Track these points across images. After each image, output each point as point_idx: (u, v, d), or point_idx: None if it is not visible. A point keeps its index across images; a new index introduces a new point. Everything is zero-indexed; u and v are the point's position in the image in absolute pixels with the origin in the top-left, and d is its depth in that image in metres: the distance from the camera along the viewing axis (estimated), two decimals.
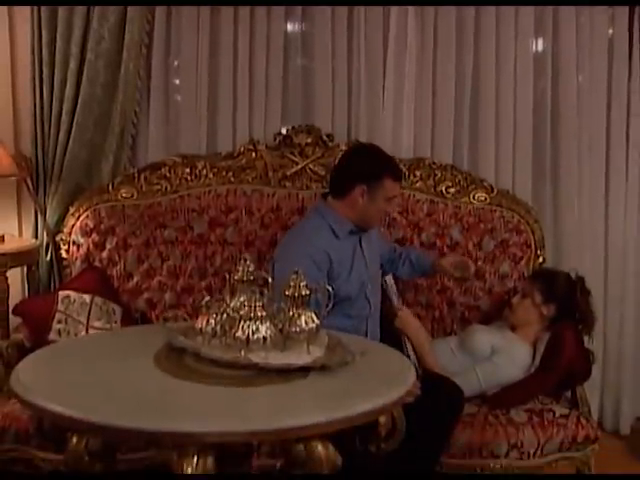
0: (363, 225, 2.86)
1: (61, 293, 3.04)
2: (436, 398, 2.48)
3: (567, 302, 2.96)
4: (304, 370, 1.99)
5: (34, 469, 2.71)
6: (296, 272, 2.11)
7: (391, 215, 3.33)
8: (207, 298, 2.16)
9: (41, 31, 3.35)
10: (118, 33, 3.36)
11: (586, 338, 2.99)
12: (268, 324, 2.03)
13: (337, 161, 3.05)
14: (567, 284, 3.00)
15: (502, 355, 2.88)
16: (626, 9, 3.56)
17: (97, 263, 3.32)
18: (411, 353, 2.81)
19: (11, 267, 3.36)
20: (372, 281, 2.92)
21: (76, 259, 3.33)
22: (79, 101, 3.39)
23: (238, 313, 2.05)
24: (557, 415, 2.79)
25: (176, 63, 3.57)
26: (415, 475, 2.54)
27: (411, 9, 3.47)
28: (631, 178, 3.67)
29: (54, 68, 3.38)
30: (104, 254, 3.32)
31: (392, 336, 2.81)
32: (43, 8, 3.32)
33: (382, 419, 1.98)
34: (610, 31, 3.63)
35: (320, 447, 1.79)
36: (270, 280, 2.19)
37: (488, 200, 3.41)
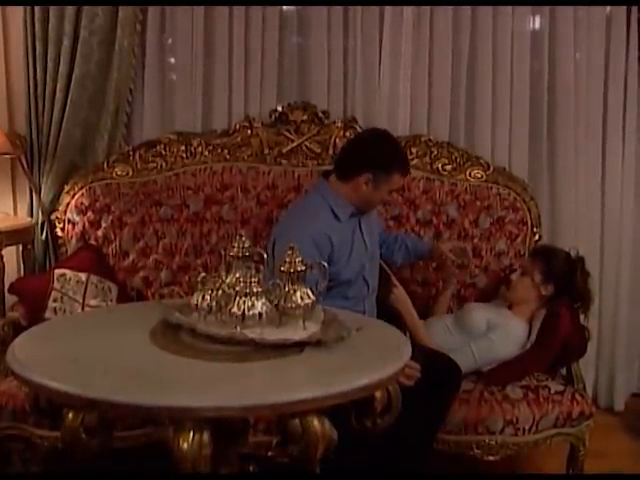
0: (362, 208, 2.84)
1: (57, 271, 3.04)
2: (433, 374, 2.48)
3: (566, 282, 2.95)
4: (300, 345, 1.99)
5: (31, 446, 2.73)
6: (291, 248, 2.10)
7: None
8: (203, 274, 2.15)
9: (34, 8, 3.33)
10: (112, 10, 3.34)
11: (582, 316, 3.00)
12: (264, 300, 2.03)
13: (349, 142, 3.02)
14: (567, 264, 2.99)
15: (498, 331, 2.89)
16: None
17: (92, 241, 3.32)
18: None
19: (6, 246, 3.36)
20: (371, 262, 2.91)
21: (71, 237, 3.33)
22: (73, 79, 3.38)
23: (234, 289, 2.05)
24: (552, 391, 2.79)
25: (170, 40, 3.54)
26: (412, 451, 2.55)
27: None
28: (627, 155, 3.67)
29: (47, 46, 3.36)
30: (99, 232, 3.31)
31: (388, 315, 2.81)
32: None
33: (378, 394, 1.97)
34: (608, 9, 3.60)
35: (316, 422, 1.79)
36: (266, 257, 2.19)
37: (484, 177, 3.40)
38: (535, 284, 2.97)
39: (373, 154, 2.77)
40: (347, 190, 2.78)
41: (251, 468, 2.49)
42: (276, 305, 2.07)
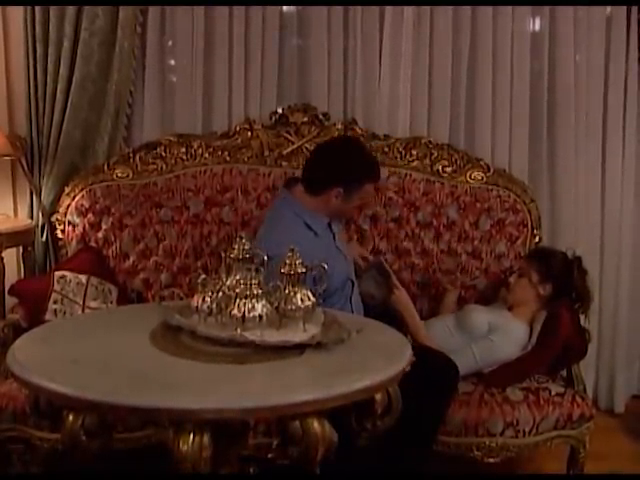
0: (333, 219, 2.82)
1: (57, 273, 3.04)
2: (431, 373, 2.47)
3: (564, 282, 2.97)
4: (300, 347, 1.99)
5: (31, 448, 2.73)
6: (292, 250, 2.10)
7: (387, 195, 3.34)
8: (203, 276, 2.15)
9: (34, 9, 3.33)
10: (112, 11, 3.35)
11: (582, 317, 3.00)
12: (264, 302, 2.03)
13: (315, 155, 2.91)
14: (564, 264, 3.00)
15: (499, 333, 2.89)
16: None
17: (93, 243, 3.31)
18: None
19: (6, 247, 3.36)
20: (350, 263, 2.92)
21: (72, 239, 3.33)
22: (73, 80, 3.38)
23: (234, 291, 2.05)
24: (553, 393, 2.79)
25: (171, 42, 3.54)
26: (410, 452, 2.55)
27: None
28: (628, 157, 3.67)
29: (48, 47, 3.36)
30: (100, 234, 3.31)
31: (389, 316, 2.80)
32: None
33: (378, 396, 1.97)
34: (608, 9, 3.60)
35: (316, 424, 1.79)
36: (266, 259, 2.18)
37: (484, 179, 3.40)
38: (533, 284, 2.98)
39: (342, 168, 2.73)
40: (317, 203, 2.74)
41: (251, 470, 2.49)
42: (276, 307, 2.07)
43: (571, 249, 3.05)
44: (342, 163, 2.74)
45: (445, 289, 3.28)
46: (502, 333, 2.89)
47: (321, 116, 3.42)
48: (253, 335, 1.99)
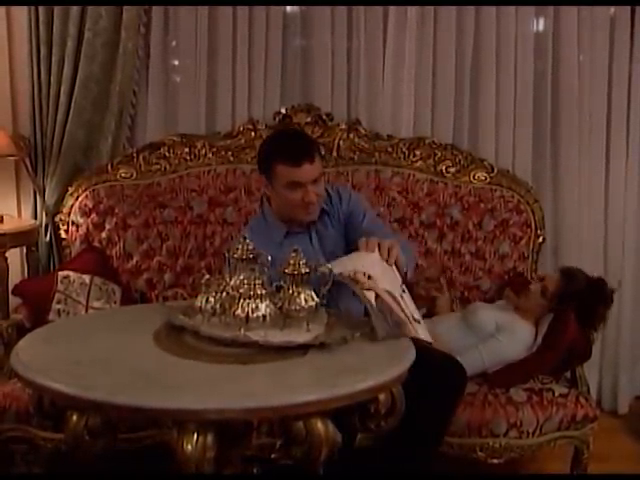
0: (291, 219, 2.64)
1: (60, 273, 3.04)
2: (437, 375, 2.45)
3: (585, 307, 2.89)
4: (303, 348, 1.99)
5: (34, 448, 2.73)
6: (295, 250, 2.10)
7: (390, 195, 3.33)
8: (207, 276, 2.15)
9: (38, 10, 3.34)
10: (116, 11, 3.35)
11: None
12: (267, 302, 2.03)
13: None
14: (589, 290, 2.94)
15: (506, 333, 2.87)
16: None
17: (96, 243, 3.32)
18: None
19: (10, 247, 3.38)
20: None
21: (75, 239, 3.34)
22: (77, 81, 3.39)
23: (237, 291, 2.05)
24: (556, 394, 2.78)
25: (174, 42, 3.55)
26: (417, 454, 2.54)
27: None
28: (631, 157, 3.65)
29: (52, 47, 3.37)
30: (103, 234, 3.32)
31: None
32: None
33: (382, 397, 1.97)
34: (612, 10, 3.60)
35: (320, 424, 1.79)
36: (270, 258, 2.18)
37: (488, 180, 3.40)
38: (548, 300, 2.95)
39: (257, 155, 2.68)
40: (272, 201, 2.66)
41: (254, 470, 2.49)
42: (280, 307, 2.07)
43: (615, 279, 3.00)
44: (259, 150, 2.69)
45: (434, 297, 3.27)
46: (509, 333, 2.87)
47: (324, 116, 3.42)
48: (256, 335, 1.99)
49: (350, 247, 2.62)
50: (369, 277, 2.16)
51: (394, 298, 2.17)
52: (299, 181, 2.49)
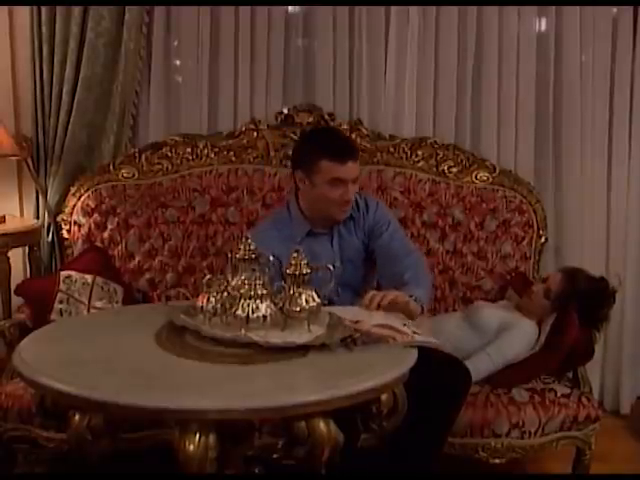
0: (322, 217, 2.70)
1: (63, 273, 3.04)
2: (440, 376, 2.43)
3: (588, 307, 2.89)
4: (304, 348, 1.99)
5: (37, 448, 2.73)
6: (297, 251, 2.11)
7: (392, 195, 3.33)
8: (208, 276, 2.15)
9: (40, 10, 3.34)
10: (118, 12, 3.35)
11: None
12: (268, 302, 2.03)
13: None
14: (594, 291, 2.93)
15: (511, 332, 2.84)
16: None
17: (98, 243, 3.32)
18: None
19: (13, 247, 3.38)
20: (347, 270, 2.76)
21: (77, 239, 3.34)
22: (79, 81, 3.39)
23: (238, 292, 2.05)
24: (558, 394, 2.78)
25: (176, 42, 3.55)
26: (419, 454, 2.53)
27: None
28: (634, 157, 3.65)
29: (54, 48, 3.37)
30: (105, 234, 3.32)
31: None
32: None
33: (384, 397, 1.97)
34: (614, 10, 3.59)
35: (322, 425, 1.79)
36: (272, 258, 2.18)
37: (490, 180, 3.40)
38: (551, 301, 2.94)
39: (296, 151, 2.77)
40: (301, 197, 2.72)
41: (256, 470, 2.49)
42: (281, 308, 2.07)
43: (616, 276, 3.01)
44: (297, 146, 2.79)
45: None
46: (514, 332, 2.84)
47: (327, 116, 3.42)
48: (257, 336, 1.99)
49: (371, 257, 2.73)
50: (356, 322, 2.15)
51: (389, 326, 2.16)
52: (343, 178, 2.57)
